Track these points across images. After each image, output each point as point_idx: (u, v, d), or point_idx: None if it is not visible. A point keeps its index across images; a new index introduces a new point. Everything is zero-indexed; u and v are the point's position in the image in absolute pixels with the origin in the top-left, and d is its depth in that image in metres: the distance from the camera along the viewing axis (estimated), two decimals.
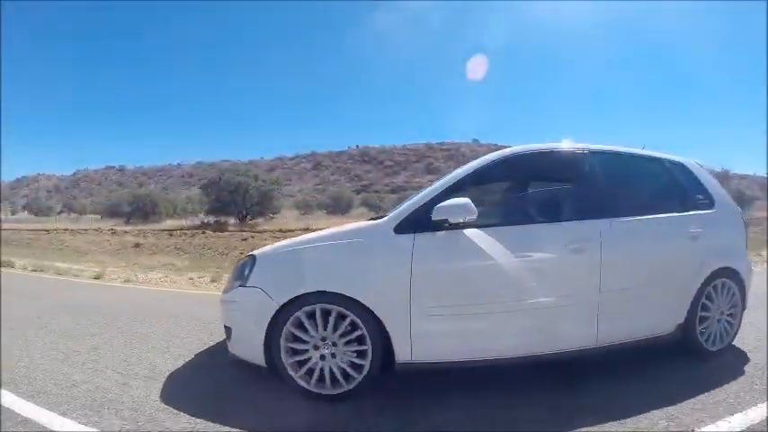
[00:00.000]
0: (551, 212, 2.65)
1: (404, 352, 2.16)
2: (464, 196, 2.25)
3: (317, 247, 2.33)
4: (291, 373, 2.18)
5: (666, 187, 2.83)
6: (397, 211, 2.33)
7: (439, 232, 2.21)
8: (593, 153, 2.58)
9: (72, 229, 21.94)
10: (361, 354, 2.17)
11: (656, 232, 2.55)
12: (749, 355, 2.70)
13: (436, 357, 2.21)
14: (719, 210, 2.80)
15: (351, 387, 2.16)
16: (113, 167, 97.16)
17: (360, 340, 2.17)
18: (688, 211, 2.70)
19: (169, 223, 29.39)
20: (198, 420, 2.02)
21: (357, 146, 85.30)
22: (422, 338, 2.15)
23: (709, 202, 2.79)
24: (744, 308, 2.83)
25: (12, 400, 2.20)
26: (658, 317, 2.53)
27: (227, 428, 1.95)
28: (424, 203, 2.27)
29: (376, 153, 79.62)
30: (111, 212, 35.82)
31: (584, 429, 1.89)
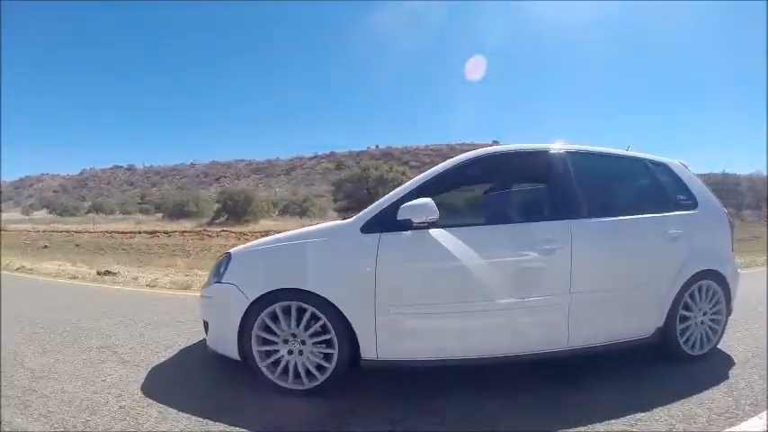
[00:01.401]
0: (521, 213, 2.65)
1: (369, 349, 2.20)
2: (433, 197, 2.26)
3: (288, 245, 2.40)
4: (261, 365, 2.25)
5: (646, 188, 2.78)
6: (364, 211, 2.38)
7: (405, 232, 2.24)
8: (568, 153, 2.55)
9: (165, 232, 19.51)
10: (329, 347, 2.22)
11: (633, 233, 2.51)
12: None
13: (402, 355, 2.24)
14: (703, 211, 2.73)
15: (323, 378, 2.21)
16: (122, 167, 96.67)
17: (327, 335, 2.21)
18: (669, 211, 2.64)
19: (263, 224, 27.12)
20: None
21: (377, 146, 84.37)
22: (387, 336, 2.19)
23: (692, 203, 2.73)
24: (729, 312, 2.74)
25: None
26: (636, 320, 2.48)
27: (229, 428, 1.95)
28: (391, 204, 2.30)
29: (399, 153, 78.59)
30: (178, 213, 32.83)
31: (584, 429, 1.89)
